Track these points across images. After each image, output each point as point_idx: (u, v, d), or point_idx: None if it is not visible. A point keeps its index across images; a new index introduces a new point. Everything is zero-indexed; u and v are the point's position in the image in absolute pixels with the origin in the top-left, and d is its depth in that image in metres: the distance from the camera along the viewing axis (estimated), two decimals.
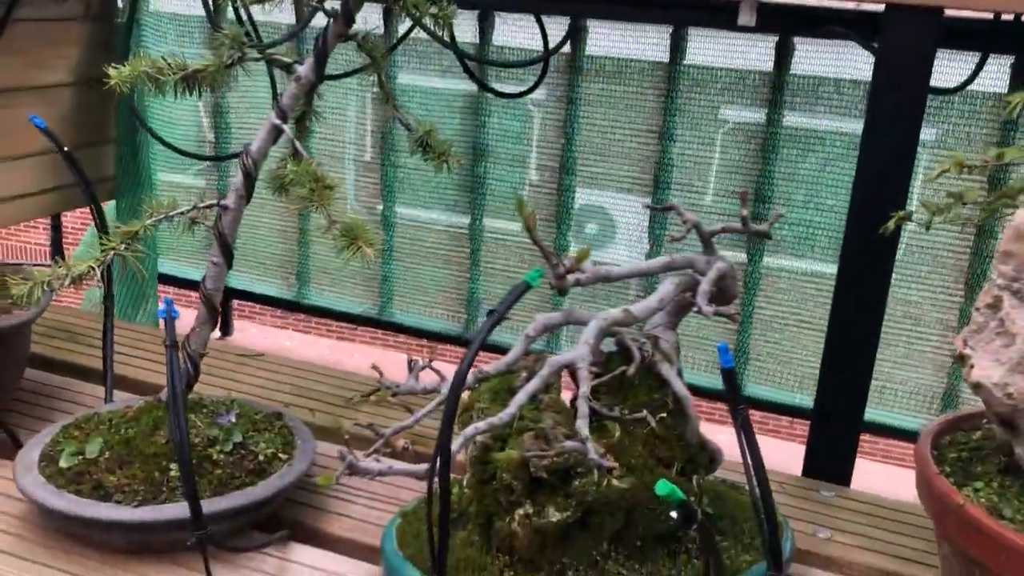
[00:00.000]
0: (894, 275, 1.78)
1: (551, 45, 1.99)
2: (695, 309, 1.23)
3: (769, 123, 1.92)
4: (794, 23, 1.65)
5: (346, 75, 2.08)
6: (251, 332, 2.93)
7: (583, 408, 1.12)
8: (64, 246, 2.96)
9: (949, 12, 1.46)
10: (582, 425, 1.10)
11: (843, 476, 1.73)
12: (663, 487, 0.86)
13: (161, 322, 1.35)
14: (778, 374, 2.22)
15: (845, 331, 1.69)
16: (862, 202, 1.58)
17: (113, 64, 1.38)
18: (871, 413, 2.14)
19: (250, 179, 1.40)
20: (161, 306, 1.22)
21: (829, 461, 1.75)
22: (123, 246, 1.32)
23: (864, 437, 1.86)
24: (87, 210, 1.81)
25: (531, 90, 2.03)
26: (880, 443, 2.69)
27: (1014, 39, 1.54)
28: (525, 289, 1.11)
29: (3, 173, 2.38)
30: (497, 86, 2.15)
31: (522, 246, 2.38)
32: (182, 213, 1.38)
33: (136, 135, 2.64)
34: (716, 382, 2.27)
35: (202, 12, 2.20)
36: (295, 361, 1.90)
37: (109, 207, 2.73)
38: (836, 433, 1.76)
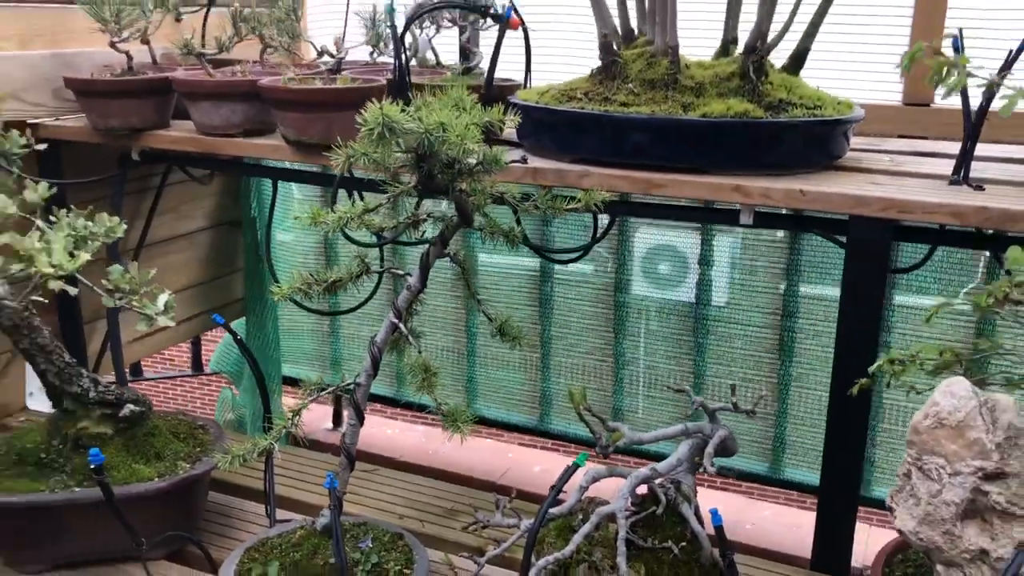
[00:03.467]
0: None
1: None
2: (702, 468, 1.69)
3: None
4: (782, 223, 2.10)
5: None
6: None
7: (621, 548, 1.59)
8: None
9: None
10: (621, 562, 1.57)
11: (843, 564, 2.14)
12: None
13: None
14: (811, 460, 2.70)
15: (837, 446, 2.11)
16: (843, 353, 2.01)
17: (276, 284, 1.89)
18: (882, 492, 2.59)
19: (376, 364, 1.90)
20: (327, 480, 1.72)
21: (831, 549, 2.17)
22: (290, 422, 1.82)
23: None
24: None
25: (579, 257, 2.52)
26: None
27: (957, 237, 1.95)
28: (574, 470, 1.58)
29: None
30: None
31: (585, 361, 2.91)
32: (328, 391, 1.89)
33: (259, 266, 3.18)
34: (755, 465, 2.76)
35: None
36: (404, 475, 2.39)
37: (240, 322, 3.29)
38: (836, 521, 2.17)
